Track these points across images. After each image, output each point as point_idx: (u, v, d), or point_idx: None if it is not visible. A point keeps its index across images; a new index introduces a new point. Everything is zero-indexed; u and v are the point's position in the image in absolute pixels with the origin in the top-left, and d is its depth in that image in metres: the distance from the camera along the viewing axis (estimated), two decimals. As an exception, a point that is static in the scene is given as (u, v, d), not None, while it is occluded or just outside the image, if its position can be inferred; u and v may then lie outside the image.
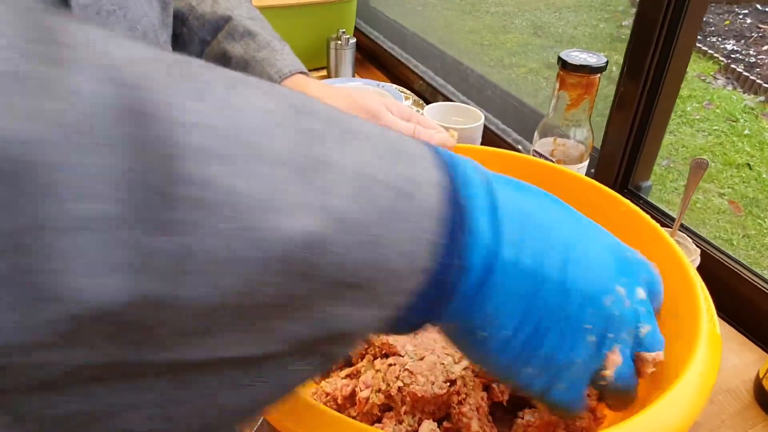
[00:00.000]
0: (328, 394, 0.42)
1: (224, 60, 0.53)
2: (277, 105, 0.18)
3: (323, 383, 0.44)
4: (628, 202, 0.49)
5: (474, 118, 0.80)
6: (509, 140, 0.88)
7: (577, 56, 0.59)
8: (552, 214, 0.26)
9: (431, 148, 0.23)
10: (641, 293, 0.27)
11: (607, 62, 0.59)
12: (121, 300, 0.15)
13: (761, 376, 0.51)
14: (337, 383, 0.43)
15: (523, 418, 0.41)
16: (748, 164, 2.84)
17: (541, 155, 0.65)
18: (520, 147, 0.87)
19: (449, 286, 0.22)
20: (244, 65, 0.53)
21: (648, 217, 0.47)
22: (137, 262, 0.15)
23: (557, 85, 0.61)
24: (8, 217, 0.13)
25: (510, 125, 0.91)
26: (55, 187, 0.13)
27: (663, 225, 0.63)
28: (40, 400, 0.16)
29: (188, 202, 0.15)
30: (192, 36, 0.53)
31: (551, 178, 0.53)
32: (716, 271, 0.61)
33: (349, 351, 0.23)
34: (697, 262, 0.56)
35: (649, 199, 0.72)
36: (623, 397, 0.29)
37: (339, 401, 0.42)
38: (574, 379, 0.26)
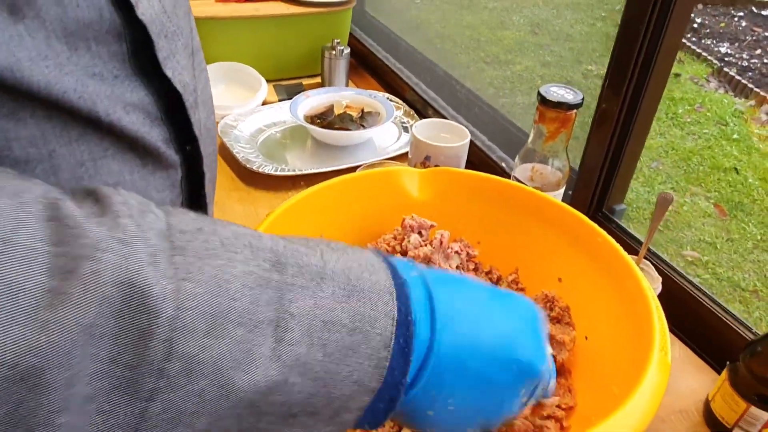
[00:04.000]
0: None
1: None
2: (256, 266, 0.23)
3: None
4: (605, 233, 0.53)
5: (461, 135, 0.83)
6: (494, 157, 0.92)
7: (555, 92, 0.62)
8: (476, 304, 0.30)
9: (389, 271, 0.27)
10: (548, 350, 0.33)
11: (583, 99, 0.62)
12: None
13: (710, 398, 0.56)
14: None
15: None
16: (735, 168, 2.89)
17: (520, 181, 0.69)
18: (503, 164, 0.90)
19: (395, 397, 0.26)
20: None
21: (621, 249, 0.51)
22: (135, 422, 0.19)
23: (536, 117, 0.65)
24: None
25: (496, 142, 0.94)
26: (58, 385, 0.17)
27: (631, 249, 0.67)
28: None
29: (174, 373, 0.20)
30: None
31: (536, 205, 0.57)
32: (679, 296, 0.66)
33: None
34: (659, 289, 0.60)
35: (637, 211, 0.76)
36: None
37: None
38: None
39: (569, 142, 0.66)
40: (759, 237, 2.45)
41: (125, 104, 0.34)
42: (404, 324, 0.26)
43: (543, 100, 0.62)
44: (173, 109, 0.38)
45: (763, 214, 2.57)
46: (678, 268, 0.67)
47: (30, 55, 0.28)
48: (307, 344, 0.23)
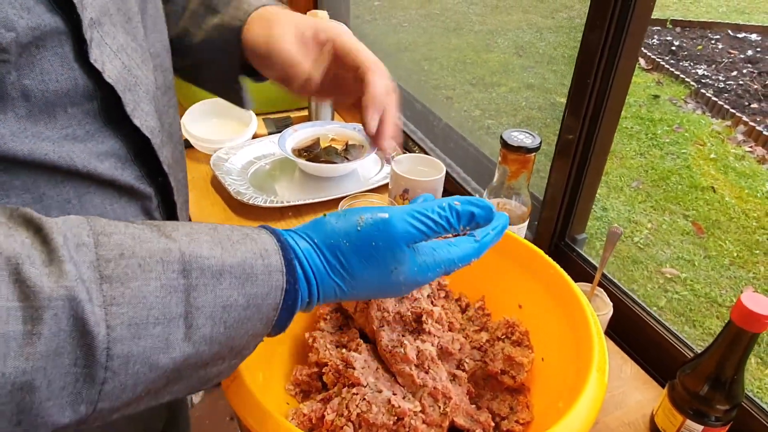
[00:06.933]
0: (305, 415, 0.53)
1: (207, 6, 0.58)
2: (166, 279, 0.31)
3: (302, 405, 0.54)
4: (556, 265, 0.60)
5: (437, 169, 0.90)
6: (469, 189, 0.99)
7: (516, 137, 0.69)
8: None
9: (281, 252, 0.36)
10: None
11: (540, 142, 0.69)
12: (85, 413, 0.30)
13: (654, 412, 0.62)
14: (313, 406, 0.53)
15: None
16: (713, 187, 2.97)
17: (487, 215, 0.75)
18: (477, 195, 0.98)
19: (283, 326, 0.37)
20: (214, 7, 0.57)
21: (570, 281, 0.58)
22: (95, 398, 0.29)
23: (500, 159, 0.72)
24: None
25: (470, 174, 1.01)
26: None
27: (590, 276, 0.74)
28: None
29: (115, 366, 0.29)
30: None
31: (500, 241, 0.64)
32: (630, 319, 0.72)
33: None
34: (610, 314, 0.67)
35: (611, 226, 0.83)
36: None
37: (313, 421, 0.52)
38: None
39: (538, 177, 0.73)
40: (735, 254, 2.52)
41: (98, 154, 0.40)
42: (292, 291, 0.36)
43: (505, 145, 0.69)
44: (143, 149, 0.44)
45: (739, 232, 2.64)
46: (630, 293, 0.74)
47: (12, 130, 0.34)
48: (210, 325, 0.32)
